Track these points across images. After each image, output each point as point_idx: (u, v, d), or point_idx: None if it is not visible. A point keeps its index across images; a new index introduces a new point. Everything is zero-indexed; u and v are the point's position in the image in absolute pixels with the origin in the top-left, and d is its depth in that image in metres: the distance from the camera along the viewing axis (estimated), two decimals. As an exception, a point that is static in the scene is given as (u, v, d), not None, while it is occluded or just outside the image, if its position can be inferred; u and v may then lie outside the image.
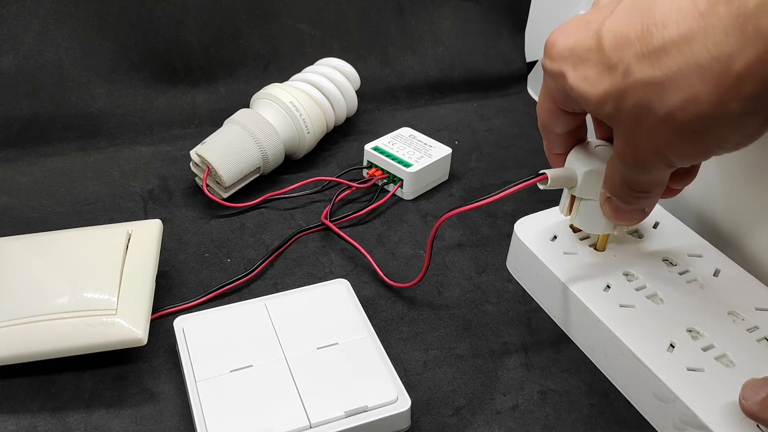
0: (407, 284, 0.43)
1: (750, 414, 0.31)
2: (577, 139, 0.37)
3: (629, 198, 0.35)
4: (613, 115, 0.30)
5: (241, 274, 0.44)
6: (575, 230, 0.44)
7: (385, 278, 0.43)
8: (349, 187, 0.51)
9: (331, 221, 0.49)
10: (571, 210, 0.39)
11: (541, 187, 0.37)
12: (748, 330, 0.37)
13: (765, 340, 0.36)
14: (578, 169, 0.37)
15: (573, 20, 0.32)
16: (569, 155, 0.38)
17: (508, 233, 0.45)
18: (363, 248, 0.46)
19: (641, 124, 0.29)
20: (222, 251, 0.46)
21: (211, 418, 0.33)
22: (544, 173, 0.36)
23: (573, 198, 0.39)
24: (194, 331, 0.38)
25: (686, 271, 0.41)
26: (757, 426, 0.32)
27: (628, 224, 0.38)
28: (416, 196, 0.52)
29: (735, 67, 0.25)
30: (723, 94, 0.26)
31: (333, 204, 0.50)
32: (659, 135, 0.29)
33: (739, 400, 0.32)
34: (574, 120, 0.36)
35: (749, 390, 0.31)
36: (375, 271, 0.44)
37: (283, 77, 0.58)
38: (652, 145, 0.29)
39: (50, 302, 0.36)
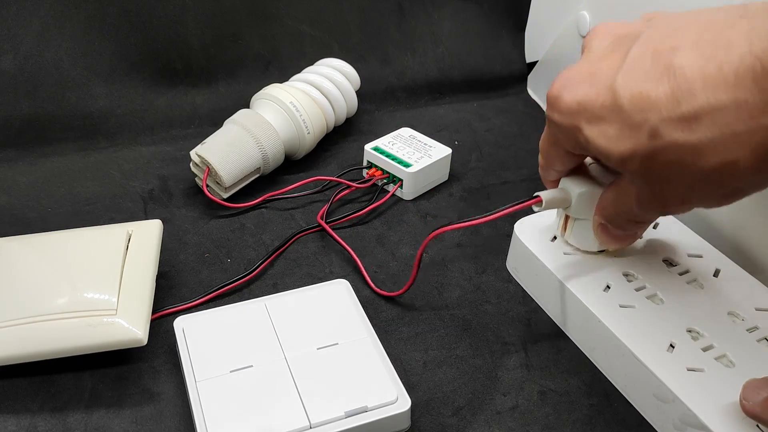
0: (393, 293, 0.43)
1: (751, 414, 0.31)
2: (574, 168, 0.38)
3: (627, 227, 0.36)
4: (638, 172, 0.30)
5: (241, 274, 0.44)
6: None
7: (372, 285, 0.43)
8: (349, 187, 0.51)
9: (332, 221, 0.49)
10: (566, 229, 0.40)
11: (536, 210, 0.38)
12: (748, 330, 0.37)
13: (765, 340, 0.36)
14: (572, 190, 0.37)
15: (573, 71, 0.32)
16: None
17: (508, 233, 0.45)
18: (358, 251, 0.46)
19: (672, 181, 0.29)
20: (222, 251, 0.46)
21: (211, 418, 0.33)
22: (539, 196, 0.37)
23: (567, 217, 0.40)
24: (194, 331, 0.38)
25: (686, 271, 0.41)
26: (758, 426, 0.32)
27: (622, 247, 0.39)
28: (416, 197, 0.52)
29: None
30: (764, 159, 0.26)
31: (331, 204, 0.50)
32: (693, 192, 0.29)
33: (740, 401, 0.32)
34: (580, 159, 0.36)
35: (750, 390, 0.31)
36: (369, 273, 0.44)
37: (283, 77, 0.58)
38: (683, 199, 0.30)
39: (50, 302, 0.36)
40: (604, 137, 0.30)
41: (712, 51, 0.26)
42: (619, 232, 0.37)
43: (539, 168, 0.38)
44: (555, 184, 0.39)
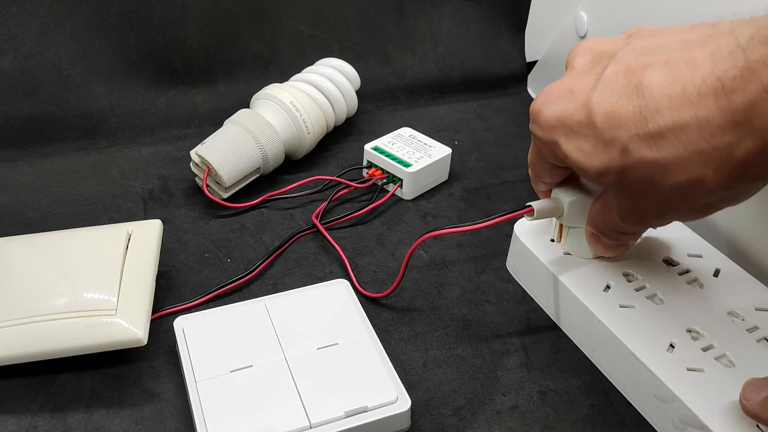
0: (378, 294, 0.43)
1: (751, 414, 0.31)
2: (566, 178, 0.38)
3: (618, 237, 0.36)
4: (614, 186, 0.31)
5: (241, 274, 0.44)
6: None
7: (359, 286, 0.43)
8: (348, 186, 0.51)
9: (331, 221, 0.49)
10: (561, 237, 0.41)
11: (528, 219, 0.38)
12: (748, 330, 0.37)
13: (765, 340, 0.36)
14: (563, 199, 0.38)
15: (554, 88, 0.32)
16: None
17: (508, 233, 0.45)
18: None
19: (646, 196, 0.30)
20: (222, 251, 0.46)
21: (211, 418, 0.33)
22: (531, 206, 0.38)
23: (562, 225, 0.40)
24: (194, 331, 0.38)
25: (686, 271, 0.41)
26: (758, 426, 0.32)
27: (616, 255, 0.40)
28: (416, 196, 0.52)
29: (737, 154, 0.26)
30: (728, 177, 0.27)
31: (328, 203, 0.50)
32: (666, 206, 0.30)
33: (740, 401, 0.32)
34: (566, 171, 0.37)
35: (750, 390, 0.31)
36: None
37: (283, 77, 0.58)
38: (659, 212, 0.31)
39: (50, 302, 0.36)
40: (581, 152, 0.31)
41: (679, 70, 0.27)
42: (611, 241, 0.37)
43: (530, 180, 0.39)
44: (547, 195, 0.39)
